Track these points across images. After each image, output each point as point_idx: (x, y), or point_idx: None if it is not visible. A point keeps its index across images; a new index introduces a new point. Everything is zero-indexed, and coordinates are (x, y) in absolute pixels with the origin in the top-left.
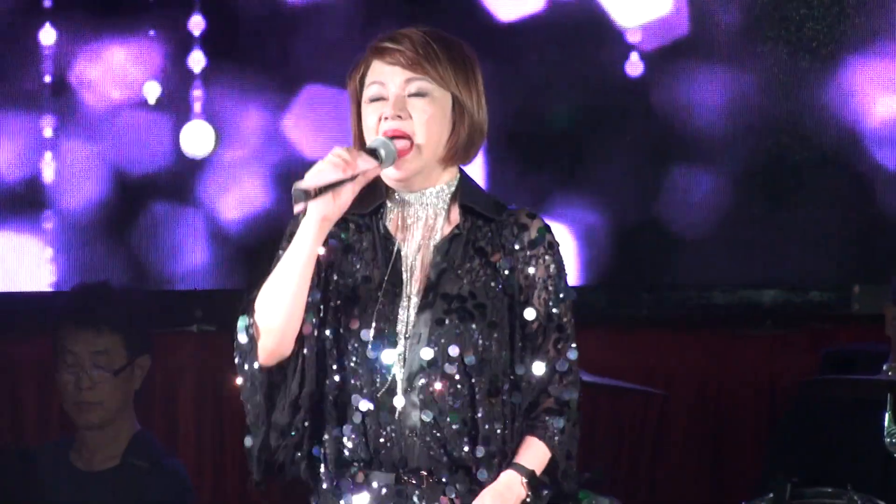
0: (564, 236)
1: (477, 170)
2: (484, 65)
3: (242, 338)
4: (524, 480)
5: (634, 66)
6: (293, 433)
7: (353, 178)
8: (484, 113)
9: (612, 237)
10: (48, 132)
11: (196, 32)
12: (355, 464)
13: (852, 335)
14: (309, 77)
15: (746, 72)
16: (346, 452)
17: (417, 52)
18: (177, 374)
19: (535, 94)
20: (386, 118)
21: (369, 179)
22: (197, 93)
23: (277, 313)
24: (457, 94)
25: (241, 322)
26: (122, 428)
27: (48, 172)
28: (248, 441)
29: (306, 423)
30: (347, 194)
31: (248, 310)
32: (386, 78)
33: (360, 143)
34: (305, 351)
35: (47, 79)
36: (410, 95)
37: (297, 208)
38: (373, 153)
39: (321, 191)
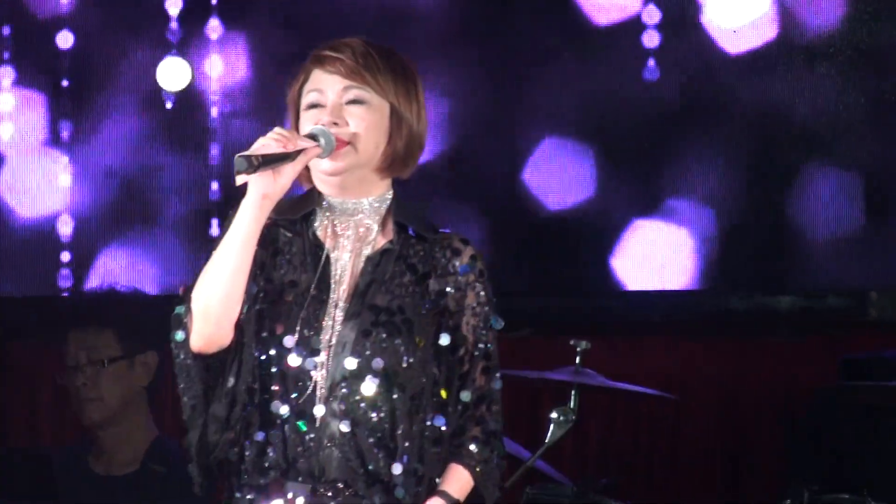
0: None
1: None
2: (575, 65)
3: (177, 327)
4: None
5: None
6: (230, 427)
7: (294, 155)
8: (424, 124)
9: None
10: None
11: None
12: (272, 472)
13: (870, 342)
14: None
15: None
16: (265, 459)
17: (357, 61)
18: None
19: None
20: (322, 125)
21: (308, 160)
22: None
23: (215, 296)
24: (395, 104)
25: (177, 311)
26: (136, 431)
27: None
28: (186, 440)
29: (251, 421)
30: (288, 174)
31: (185, 298)
32: (325, 86)
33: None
34: (244, 340)
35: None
36: (348, 103)
37: (239, 179)
38: (313, 137)
39: (264, 162)
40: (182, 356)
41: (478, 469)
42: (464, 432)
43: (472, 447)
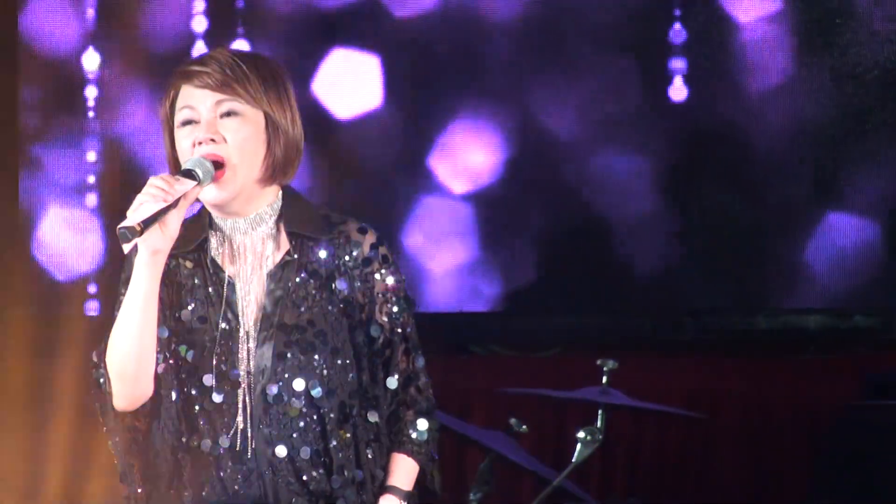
0: None
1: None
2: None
3: (97, 392)
4: (403, 503)
5: None
6: (165, 477)
7: (175, 203)
8: (299, 129)
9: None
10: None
11: None
12: None
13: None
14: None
15: None
16: (205, 495)
17: (226, 73)
18: None
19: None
20: (199, 143)
21: (191, 201)
22: None
23: (128, 356)
24: (269, 111)
25: (94, 377)
26: None
27: None
28: (125, 492)
29: (184, 464)
30: (174, 222)
31: (100, 363)
32: (196, 101)
33: (176, 168)
34: (163, 391)
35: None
36: (222, 116)
37: (127, 248)
38: (189, 174)
39: (146, 224)
40: (108, 419)
41: (420, 451)
42: (399, 418)
43: (411, 432)
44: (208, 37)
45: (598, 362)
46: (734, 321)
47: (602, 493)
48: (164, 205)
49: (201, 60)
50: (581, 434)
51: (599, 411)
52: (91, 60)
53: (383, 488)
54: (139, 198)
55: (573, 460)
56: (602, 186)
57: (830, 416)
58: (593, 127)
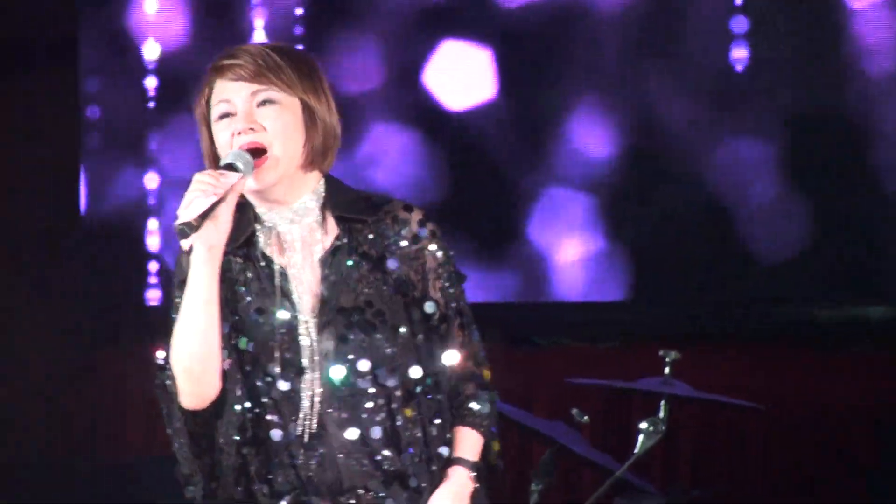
0: None
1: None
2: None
3: (163, 394)
4: (472, 474)
5: None
6: (231, 473)
7: (224, 197)
8: (335, 116)
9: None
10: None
11: None
12: (290, 495)
13: None
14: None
15: None
16: (280, 485)
17: (258, 64)
18: None
19: None
20: (239, 133)
21: (239, 193)
22: None
23: (194, 357)
24: (305, 98)
25: (160, 378)
26: None
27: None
28: (189, 492)
29: (258, 454)
30: (226, 215)
31: (165, 364)
32: (231, 94)
33: (215, 165)
34: (228, 386)
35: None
36: (258, 105)
37: (186, 244)
38: (231, 168)
39: (202, 219)
40: (173, 419)
41: (484, 424)
42: (460, 392)
43: (473, 405)
44: (310, 28)
45: (661, 353)
46: (797, 312)
47: (664, 484)
48: (214, 199)
49: (232, 54)
50: (643, 425)
51: (662, 402)
52: None
53: (450, 461)
54: (188, 195)
55: (635, 451)
56: (722, 173)
57: (894, 409)
58: (710, 113)
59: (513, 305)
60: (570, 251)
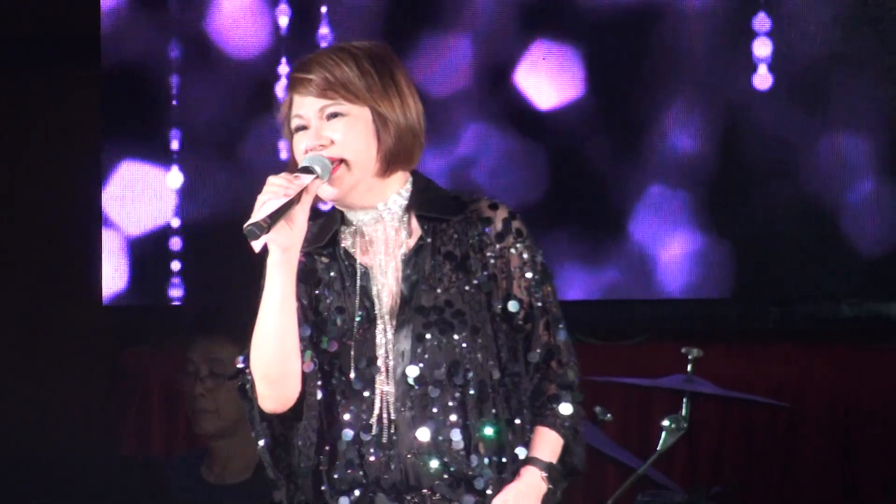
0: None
1: None
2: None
3: (243, 399)
4: (544, 475)
5: None
6: (308, 475)
7: (298, 198)
8: (412, 113)
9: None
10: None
11: None
12: (357, 491)
13: None
14: None
15: None
16: (348, 482)
17: (326, 79)
18: None
19: None
20: (309, 150)
21: (314, 195)
22: None
23: (272, 362)
24: (374, 106)
25: (240, 382)
26: (250, 441)
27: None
28: (276, 496)
29: (331, 451)
30: (300, 217)
31: (245, 368)
32: (303, 109)
33: (296, 170)
34: (308, 389)
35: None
36: (328, 118)
37: (257, 246)
38: (307, 170)
39: (273, 220)
40: (255, 423)
41: (564, 426)
42: (542, 392)
43: (554, 405)
44: (393, 27)
45: (683, 350)
46: (818, 308)
47: (687, 481)
48: (285, 199)
49: (305, 67)
50: (666, 422)
51: (684, 399)
52: None
53: (524, 461)
54: (260, 198)
55: (658, 448)
56: (821, 168)
57: None
58: (805, 108)
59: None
60: (673, 248)
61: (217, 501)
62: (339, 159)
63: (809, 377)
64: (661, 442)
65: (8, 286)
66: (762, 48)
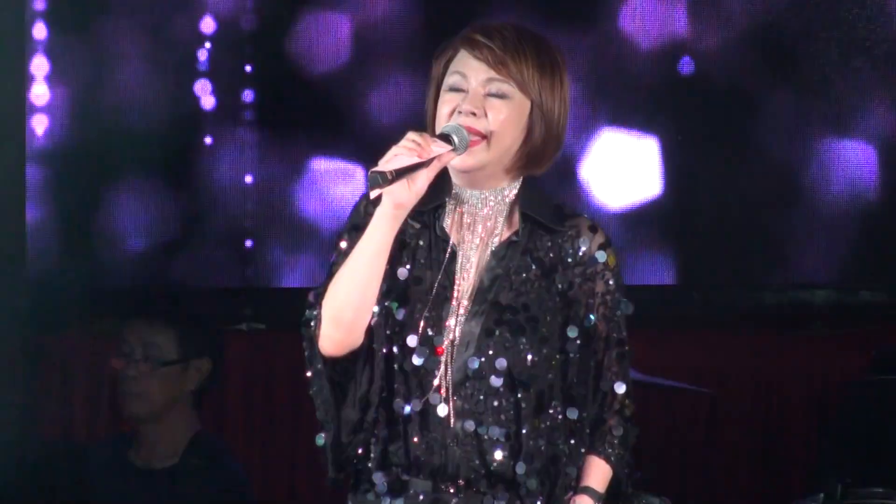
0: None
1: None
2: None
3: (307, 334)
4: None
5: None
6: (363, 429)
7: (427, 162)
8: (564, 122)
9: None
10: None
11: None
12: (394, 468)
13: None
14: None
15: None
16: (389, 456)
17: (506, 52)
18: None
19: None
20: (460, 112)
21: (443, 165)
22: None
23: (348, 306)
24: (537, 100)
25: (306, 316)
26: (178, 426)
27: None
28: (319, 439)
29: (377, 419)
30: (423, 181)
31: (316, 304)
32: (469, 71)
33: (433, 128)
34: (375, 345)
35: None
36: (489, 94)
37: (374, 194)
38: (446, 138)
39: (397, 175)
40: (313, 361)
41: (617, 457)
42: (603, 422)
43: (612, 438)
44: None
45: None
46: (741, 296)
47: None
48: (417, 160)
49: (488, 31)
50: None
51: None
52: None
53: (577, 489)
54: (394, 149)
55: None
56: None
57: (838, 391)
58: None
59: None
60: None
61: (143, 484)
62: (483, 136)
63: (732, 364)
64: None
65: None
66: None
